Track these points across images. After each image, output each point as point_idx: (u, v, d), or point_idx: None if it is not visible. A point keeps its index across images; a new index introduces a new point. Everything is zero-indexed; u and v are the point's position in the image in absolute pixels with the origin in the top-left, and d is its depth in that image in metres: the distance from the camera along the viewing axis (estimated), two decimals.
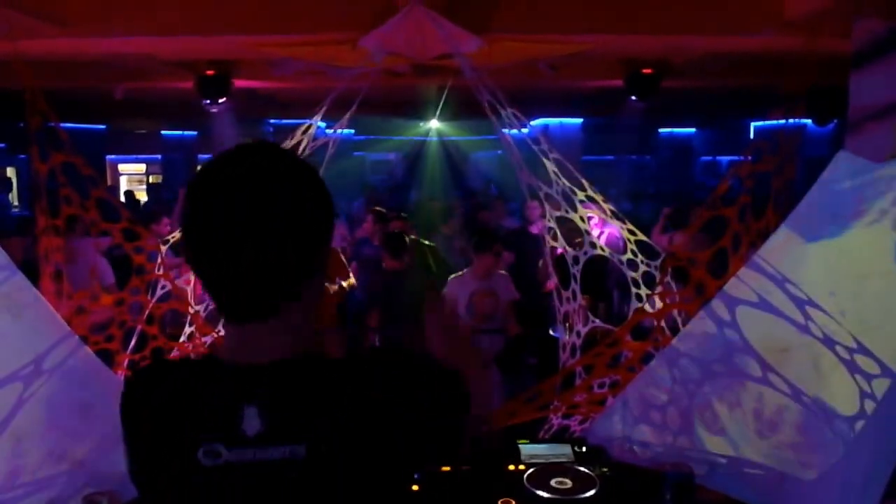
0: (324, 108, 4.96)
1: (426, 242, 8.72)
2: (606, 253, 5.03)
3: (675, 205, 9.13)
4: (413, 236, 8.73)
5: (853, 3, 5.62)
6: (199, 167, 1.49)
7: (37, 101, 4.08)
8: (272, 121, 19.99)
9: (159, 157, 22.70)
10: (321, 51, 7.35)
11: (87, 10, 6.51)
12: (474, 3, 6.53)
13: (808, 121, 12.54)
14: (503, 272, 7.17)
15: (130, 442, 1.53)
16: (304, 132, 5.22)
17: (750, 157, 4.12)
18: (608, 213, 5.06)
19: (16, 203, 18.29)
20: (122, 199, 16.33)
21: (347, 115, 4.98)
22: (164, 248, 4.71)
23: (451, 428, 1.55)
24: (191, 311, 4.74)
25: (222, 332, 4.76)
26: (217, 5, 6.80)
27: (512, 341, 6.94)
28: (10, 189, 18.43)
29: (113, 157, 21.33)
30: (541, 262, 8.42)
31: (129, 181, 23.20)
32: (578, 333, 4.93)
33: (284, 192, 1.44)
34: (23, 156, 19.65)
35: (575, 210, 4.97)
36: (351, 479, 1.41)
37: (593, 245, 5.02)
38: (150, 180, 23.46)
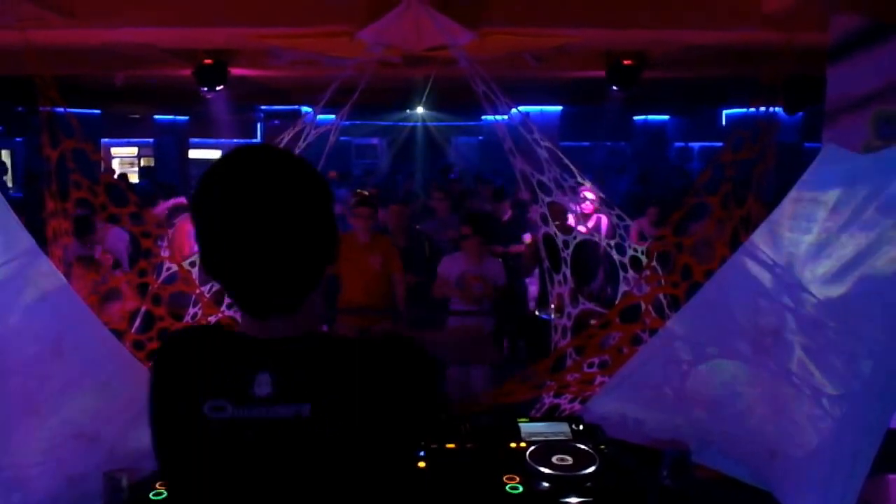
0: (326, 98, 5.07)
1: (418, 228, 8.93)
2: (597, 238, 5.20)
3: (659, 202, 9.26)
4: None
5: None
6: (206, 174, 1.55)
7: (48, 89, 4.21)
8: (263, 107, 20.04)
9: (151, 140, 22.66)
10: (319, 42, 7.45)
11: (95, 1, 6.61)
12: None
13: (779, 109, 12.66)
14: (496, 258, 7.37)
15: (152, 400, 1.65)
16: (304, 121, 5.30)
17: (730, 146, 4.31)
18: (598, 199, 5.22)
19: (10, 185, 18.24)
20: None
21: (349, 105, 5.09)
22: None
23: (429, 413, 1.71)
24: (196, 292, 4.81)
25: (227, 313, 4.90)
26: None
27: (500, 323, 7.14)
28: (6, 172, 18.42)
29: (106, 140, 21.25)
30: (526, 245, 8.65)
31: (122, 164, 23.18)
32: (569, 315, 5.10)
33: (295, 193, 1.53)
34: (19, 139, 19.60)
35: (565, 194, 5.12)
36: (351, 440, 1.52)
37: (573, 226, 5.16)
38: (142, 163, 23.45)
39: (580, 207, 5.73)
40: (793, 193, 3.02)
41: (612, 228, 5.48)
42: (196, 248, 4.98)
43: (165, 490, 1.56)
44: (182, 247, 6.87)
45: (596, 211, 7.04)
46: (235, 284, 1.56)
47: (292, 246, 1.52)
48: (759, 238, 3.15)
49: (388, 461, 1.58)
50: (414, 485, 1.72)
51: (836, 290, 2.81)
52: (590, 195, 5.62)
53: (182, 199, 9.53)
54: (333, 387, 1.54)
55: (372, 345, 1.68)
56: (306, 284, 1.59)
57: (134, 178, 19.84)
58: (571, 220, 5.41)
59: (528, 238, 8.96)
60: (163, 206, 9.16)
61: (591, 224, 6.75)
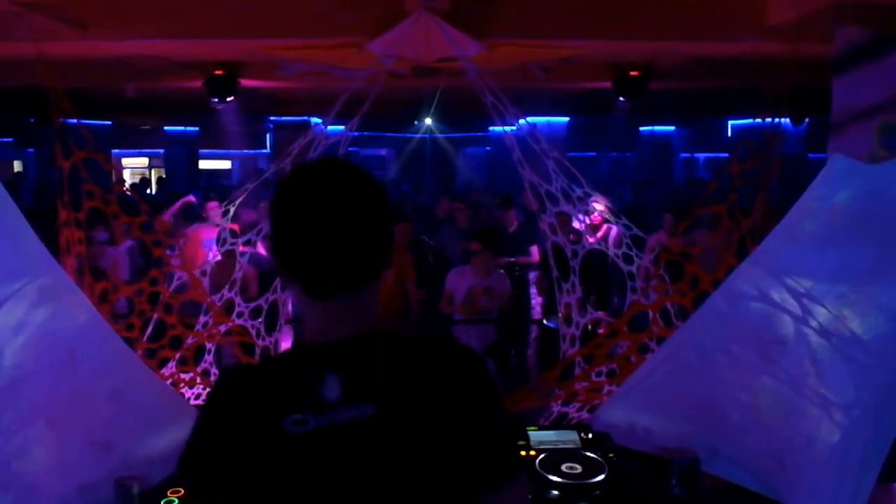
0: (336, 109, 5.09)
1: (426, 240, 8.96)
2: (606, 248, 5.22)
3: (673, 209, 9.22)
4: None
5: (833, 11, 5.87)
6: (283, 180, 1.73)
7: (60, 101, 4.26)
8: (272, 118, 20.13)
9: (162, 151, 22.84)
10: (329, 53, 7.50)
11: (107, 14, 6.64)
12: (474, 10, 6.69)
13: (785, 119, 12.68)
14: (501, 271, 7.40)
15: (219, 428, 1.65)
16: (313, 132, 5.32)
17: (737, 157, 4.34)
18: (608, 209, 5.24)
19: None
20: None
21: (358, 116, 5.11)
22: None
23: (497, 410, 1.73)
24: (207, 301, 4.84)
25: (237, 322, 4.94)
26: (230, 10, 6.94)
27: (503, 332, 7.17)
28: (19, 182, 18.52)
29: (117, 151, 21.38)
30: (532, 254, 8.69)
31: (132, 174, 23.37)
32: (577, 324, 5.12)
33: (363, 192, 1.70)
34: (30, 150, 19.69)
35: (574, 205, 5.13)
36: (416, 440, 1.59)
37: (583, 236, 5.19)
38: (153, 174, 23.69)
39: (590, 218, 5.75)
40: (801, 202, 3.02)
41: (620, 238, 5.49)
42: (210, 256, 5.02)
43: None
44: (195, 256, 6.91)
45: (605, 221, 7.05)
46: (305, 269, 1.69)
47: (359, 235, 1.67)
48: (767, 247, 3.16)
49: (449, 464, 1.62)
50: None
51: (844, 299, 2.82)
52: (598, 206, 5.64)
53: (191, 198, 9.54)
54: (397, 387, 1.63)
55: (440, 347, 1.76)
56: (370, 265, 1.72)
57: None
58: (579, 229, 5.42)
59: (535, 251, 8.98)
60: (170, 211, 9.18)
61: (599, 234, 6.76)
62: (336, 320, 1.69)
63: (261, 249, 7.31)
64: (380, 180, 1.75)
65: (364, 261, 1.70)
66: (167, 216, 8.83)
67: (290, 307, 5.80)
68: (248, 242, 5.50)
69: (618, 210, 5.48)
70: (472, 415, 1.67)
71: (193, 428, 1.69)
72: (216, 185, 18.31)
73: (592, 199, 5.24)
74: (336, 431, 1.57)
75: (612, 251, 5.19)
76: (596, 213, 6.20)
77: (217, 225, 6.05)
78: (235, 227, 6.11)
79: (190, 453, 1.68)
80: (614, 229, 7.32)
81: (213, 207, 8.76)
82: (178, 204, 9.32)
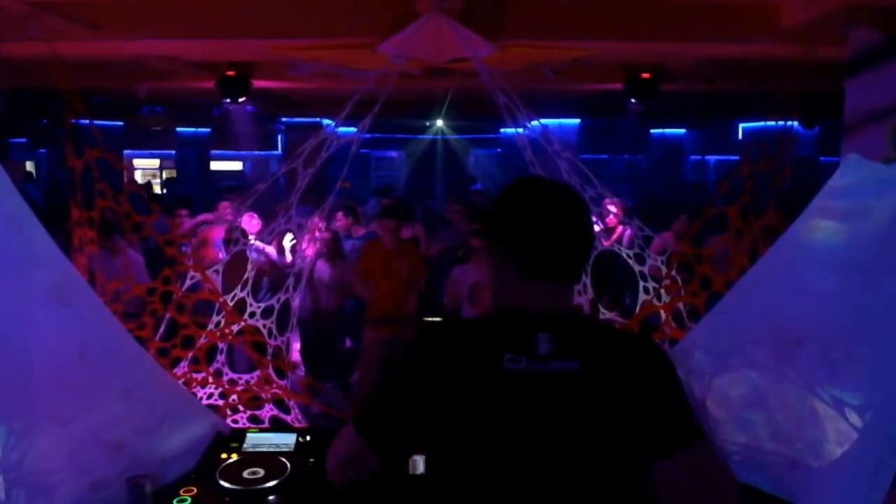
0: (347, 109, 5.08)
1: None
2: (616, 248, 5.21)
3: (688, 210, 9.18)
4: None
5: (846, 13, 5.86)
6: (513, 187, 2.13)
7: (73, 101, 4.27)
8: (284, 119, 20.16)
9: (173, 152, 22.92)
10: (340, 54, 7.51)
11: (119, 14, 6.67)
12: (487, 11, 6.70)
13: (795, 122, 12.63)
14: None
15: (425, 369, 2.05)
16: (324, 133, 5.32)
17: (748, 158, 4.33)
18: (622, 210, 5.23)
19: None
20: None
21: (370, 116, 5.10)
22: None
23: (660, 446, 1.97)
24: (220, 300, 4.81)
25: (250, 322, 4.94)
26: (241, 11, 6.98)
27: None
28: (31, 181, 18.57)
29: (128, 151, 21.46)
30: None
31: (144, 175, 23.45)
32: None
33: (581, 206, 2.10)
34: (43, 150, 19.76)
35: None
36: (611, 396, 1.95)
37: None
38: (164, 175, 23.79)
39: (607, 221, 5.74)
40: (815, 203, 3.02)
41: (633, 238, 5.48)
42: (220, 256, 5.02)
43: (462, 435, 1.91)
44: (207, 256, 6.92)
45: (620, 223, 7.04)
46: (531, 253, 2.04)
47: (578, 236, 2.07)
48: (779, 248, 3.17)
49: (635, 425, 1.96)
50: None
51: (859, 300, 2.81)
52: (613, 208, 5.63)
53: (208, 216, 9.51)
54: (598, 348, 2.00)
55: (624, 328, 2.23)
56: (587, 258, 2.20)
57: (155, 189, 20.09)
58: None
59: None
60: (189, 224, 9.19)
61: (614, 237, 6.74)
62: (545, 297, 2.05)
63: (271, 251, 7.34)
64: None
65: (577, 256, 2.09)
66: (183, 230, 8.85)
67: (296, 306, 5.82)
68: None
69: (630, 209, 5.46)
70: (659, 384, 2.01)
71: (392, 373, 2.14)
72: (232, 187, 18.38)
73: (607, 201, 5.23)
74: (546, 377, 1.93)
75: (624, 251, 5.18)
76: (612, 216, 6.20)
77: (229, 224, 6.07)
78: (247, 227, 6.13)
79: (389, 398, 2.15)
80: (628, 230, 7.32)
81: (225, 207, 8.78)
82: (195, 221, 9.33)
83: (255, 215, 7.18)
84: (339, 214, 9.63)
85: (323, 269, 8.10)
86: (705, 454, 2.00)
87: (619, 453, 1.95)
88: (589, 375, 1.94)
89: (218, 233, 7.42)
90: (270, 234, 5.41)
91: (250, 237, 5.45)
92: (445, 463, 2.06)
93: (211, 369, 4.66)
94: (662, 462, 1.94)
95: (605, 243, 5.23)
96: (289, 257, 7.78)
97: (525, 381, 1.93)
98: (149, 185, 20.96)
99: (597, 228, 5.36)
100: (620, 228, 7.56)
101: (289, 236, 7.50)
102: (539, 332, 1.95)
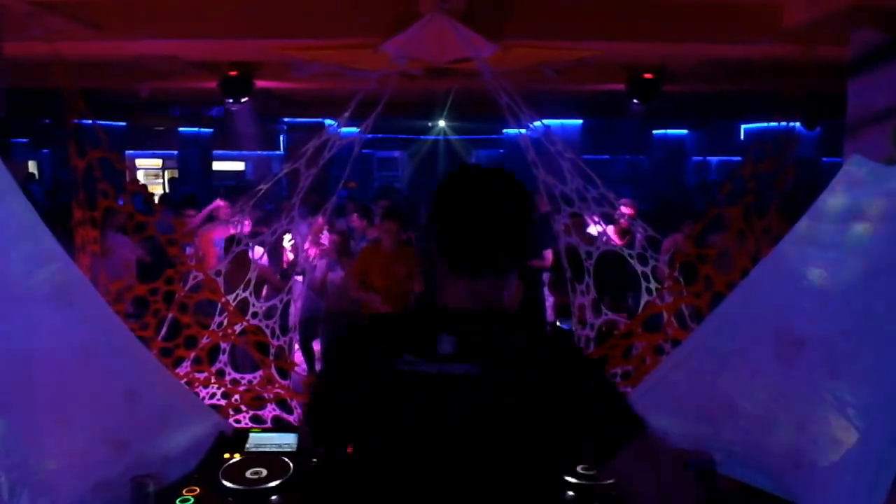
0: (350, 110, 5.09)
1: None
2: (621, 249, 5.21)
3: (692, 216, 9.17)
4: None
5: (849, 14, 5.85)
6: (453, 173, 2.02)
7: (75, 102, 4.27)
8: (286, 119, 20.18)
9: (175, 153, 22.94)
10: (343, 54, 7.51)
11: (121, 14, 6.67)
12: (489, 11, 6.69)
13: (797, 123, 12.63)
14: None
15: (337, 370, 2.07)
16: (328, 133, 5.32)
17: (751, 159, 4.33)
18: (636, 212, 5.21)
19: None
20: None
21: (372, 117, 5.10)
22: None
23: (599, 449, 1.81)
24: (222, 300, 4.83)
25: (252, 322, 4.94)
26: (244, 11, 6.98)
27: None
28: (33, 181, 18.63)
29: (131, 152, 21.48)
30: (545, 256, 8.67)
31: (146, 175, 23.49)
32: (592, 326, 5.11)
33: (512, 196, 1.96)
34: (45, 150, 19.77)
35: (588, 206, 5.10)
36: (510, 402, 1.81)
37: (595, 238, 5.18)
38: (167, 175, 23.85)
39: (620, 223, 5.74)
40: (818, 204, 3.03)
41: (639, 240, 5.47)
42: (221, 255, 5.03)
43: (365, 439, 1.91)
44: (207, 255, 6.92)
45: (631, 225, 7.06)
46: (455, 248, 1.97)
47: (502, 231, 1.94)
48: (783, 248, 3.16)
49: (541, 432, 1.81)
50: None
51: (861, 300, 2.82)
52: (626, 210, 5.62)
53: (220, 202, 9.44)
54: (501, 353, 1.86)
55: (552, 335, 2.07)
56: (512, 257, 1.99)
57: (157, 189, 20.10)
58: (592, 231, 5.41)
59: (548, 254, 8.98)
60: (198, 218, 9.17)
61: (626, 238, 6.73)
62: (468, 295, 1.96)
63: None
64: (526, 191, 2.02)
65: (501, 253, 1.97)
66: (197, 220, 8.85)
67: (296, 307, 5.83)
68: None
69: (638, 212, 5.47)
70: (576, 389, 1.84)
71: (318, 373, 2.09)
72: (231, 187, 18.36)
73: (622, 202, 5.22)
74: (442, 379, 1.84)
75: (627, 251, 5.18)
76: (624, 219, 6.19)
77: (227, 223, 6.06)
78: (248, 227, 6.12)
79: (315, 397, 2.17)
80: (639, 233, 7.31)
81: (223, 207, 8.78)
82: (209, 209, 9.30)
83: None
84: (355, 216, 9.68)
85: (333, 270, 8.08)
86: (649, 446, 1.81)
87: (518, 462, 1.83)
88: (488, 380, 1.82)
89: (217, 232, 7.42)
90: (272, 234, 5.39)
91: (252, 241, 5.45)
92: (350, 464, 2.05)
93: (213, 369, 4.67)
94: (608, 462, 1.78)
95: (620, 242, 5.22)
96: (288, 258, 7.80)
97: (416, 383, 1.86)
98: (144, 187, 21.00)
99: (601, 230, 5.35)
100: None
101: (287, 237, 7.49)
102: (441, 333, 1.88)
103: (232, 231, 5.79)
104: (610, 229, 5.35)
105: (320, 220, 6.82)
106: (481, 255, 1.94)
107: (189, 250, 5.00)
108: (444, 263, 1.98)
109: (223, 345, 4.83)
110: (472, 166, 2.04)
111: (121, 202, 4.72)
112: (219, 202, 9.26)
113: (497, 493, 1.83)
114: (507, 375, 1.83)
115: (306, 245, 6.62)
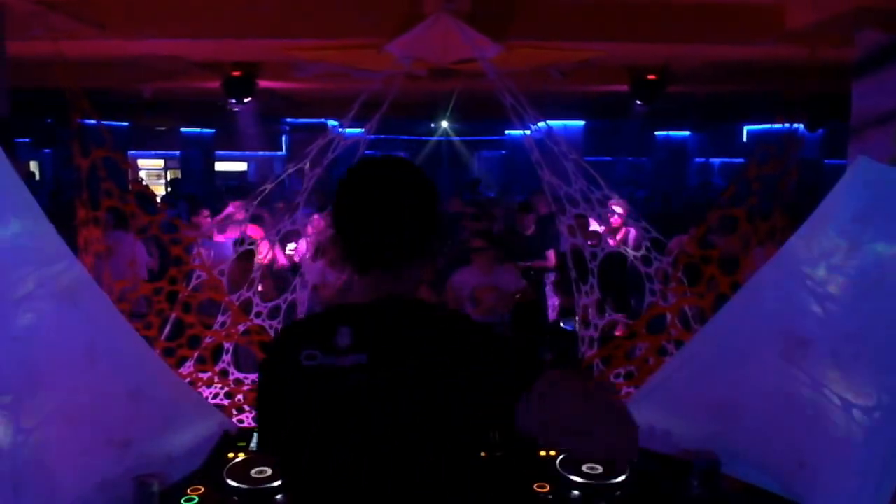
0: (353, 110, 5.09)
1: None
2: (623, 249, 5.20)
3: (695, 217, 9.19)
4: None
5: (853, 15, 5.85)
6: (350, 168, 1.99)
7: (78, 101, 4.28)
8: (288, 119, 20.18)
9: (177, 153, 22.99)
10: (347, 55, 7.51)
11: (125, 13, 6.67)
12: (493, 12, 6.70)
13: (800, 125, 12.63)
14: (508, 265, 7.38)
15: (262, 371, 2.02)
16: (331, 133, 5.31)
17: (755, 160, 4.33)
18: (626, 212, 5.21)
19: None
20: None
21: (376, 117, 5.10)
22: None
23: (502, 403, 1.77)
24: (225, 300, 4.82)
25: (256, 321, 4.94)
26: (247, 11, 6.97)
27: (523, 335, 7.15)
28: (34, 181, 18.64)
29: (133, 152, 21.49)
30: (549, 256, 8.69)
31: (148, 175, 23.51)
32: (595, 326, 5.10)
33: (409, 187, 1.96)
34: (47, 150, 19.78)
35: (591, 207, 5.08)
36: (398, 391, 1.82)
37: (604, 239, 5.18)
38: (169, 175, 23.90)
39: (611, 221, 5.73)
40: (823, 205, 3.01)
41: (639, 240, 5.46)
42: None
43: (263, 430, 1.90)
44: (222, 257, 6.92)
45: (624, 224, 7.03)
46: (352, 246, 1.97)
47: (396, 223, 1.93)
48: (787, 249, 3.16)
49: (439, 421, 1.82)
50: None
51: (867, 301, 2.82)
52: (618, 209, 5.61)
53: (236, 204, 9.43)
54: (393, 343, 1.87)
55: (455, 318, 2.02)
56: (399, 253, 1.96)
57: (159, 189, 20.11)
58: (599, 232, 5.40)
59: (551, 255, 8.98)
60: (205, 214, 9.19)
61: (619, 236, 6.72)
62: (367, 290, 1.97)
63: (278, 254, 7.33)
64: (424, 180, 2.00)
65: (397, 244, 1.95)
66: (213, 221, 8.85)
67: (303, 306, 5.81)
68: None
69: (636, 212, 5.45)
70: (460, 353, 1.84)
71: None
72: (233, 187, 18.34)
73: (612, 201, 5.22)
74: (339, 371, 1.85)
75: (630, 253, 5.17)
76: (616, 217, 6.19)
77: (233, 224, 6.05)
78: (254, 228, 6.12)
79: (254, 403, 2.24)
80: (633, 231, 7.30)
81: (237, 206, 8.79)
82: (226, 212, 9.30)
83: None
84: None
85: (329, 271, 8.07)
86: (558, 377, 1.75)
87: (423, 439, 1.83)
88: (375, 367, 1.83)
89: (228, 234, 7.44)
90: (276, 234, 5.39)
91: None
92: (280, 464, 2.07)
93: (217, 369, 4.67)
94: (518, 410, 1.72)
95: (612, 243, 5.21)
96: (281, 259, 7.79)
97: (319, 376, 1.87)
98: (148, 187, 21.00)
99: (600, 228, 5.35)
100: (624, 229, 7.55)
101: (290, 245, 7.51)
102: (340, 326, 1.89)
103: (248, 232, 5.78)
104: (603, 230, 5.34)
105: (321, 220, 6.82)
106: (372, 248, 1.96)
107: (204, 251, 4.96)
108: (351, 261, 2.00)
109: (226, 344, 4.83)
110: (370, 158, 2.04)
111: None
112: (235, 205, 9.28)
113: (413, 476, 1.85)
114: (395, 359, 1.84)
115: (303, 245, 6.62)
